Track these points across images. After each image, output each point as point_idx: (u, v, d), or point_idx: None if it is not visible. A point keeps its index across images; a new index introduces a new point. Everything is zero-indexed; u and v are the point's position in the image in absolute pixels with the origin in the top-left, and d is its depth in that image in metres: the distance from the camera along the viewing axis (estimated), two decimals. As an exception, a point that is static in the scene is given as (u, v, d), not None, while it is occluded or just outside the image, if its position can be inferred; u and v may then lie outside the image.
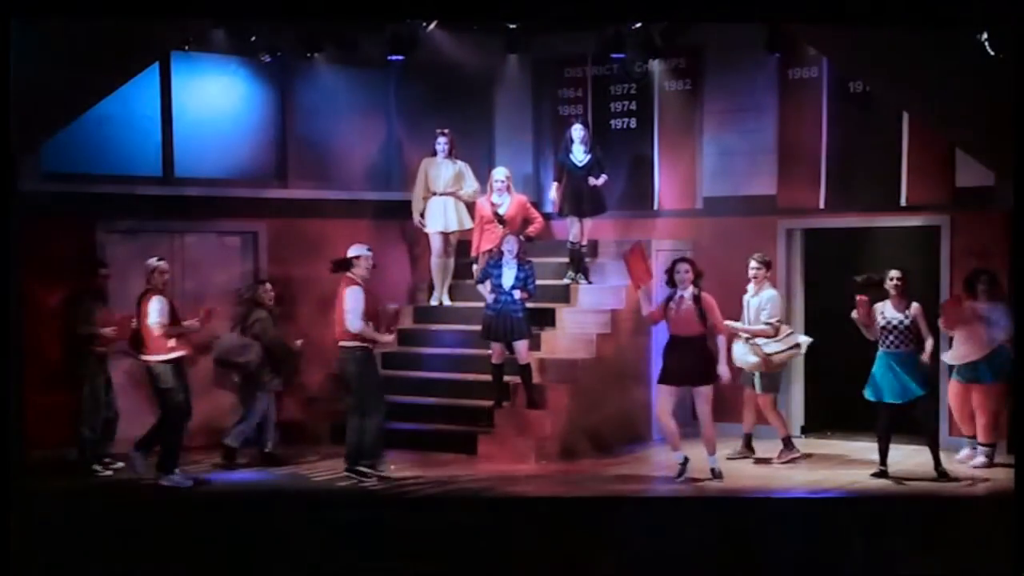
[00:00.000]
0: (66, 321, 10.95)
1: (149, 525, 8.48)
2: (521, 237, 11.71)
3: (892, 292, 10.61)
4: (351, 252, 10.51)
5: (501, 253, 11.52)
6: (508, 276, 11.47)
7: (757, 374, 11.30)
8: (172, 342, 10.29)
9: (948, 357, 11.11)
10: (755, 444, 11.60)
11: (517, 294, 11.42)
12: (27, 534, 7.86)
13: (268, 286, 11.49)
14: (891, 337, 10.57)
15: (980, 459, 10.92)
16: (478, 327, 12.34)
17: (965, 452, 11.08)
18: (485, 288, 11.55)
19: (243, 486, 10.62)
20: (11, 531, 7.74)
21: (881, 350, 10.64)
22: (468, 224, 12.74)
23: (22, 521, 7.94)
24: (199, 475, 10.60)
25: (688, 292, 10.50)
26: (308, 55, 12.55)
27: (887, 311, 10.60)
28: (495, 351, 11.68)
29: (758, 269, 11.30)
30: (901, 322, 10.54)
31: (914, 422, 10.76)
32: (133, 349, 10.56)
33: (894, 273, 10.65)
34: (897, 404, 10.58)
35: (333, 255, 10.81)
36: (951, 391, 11.18)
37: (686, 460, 10.52)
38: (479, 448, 11.64)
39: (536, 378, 11.95)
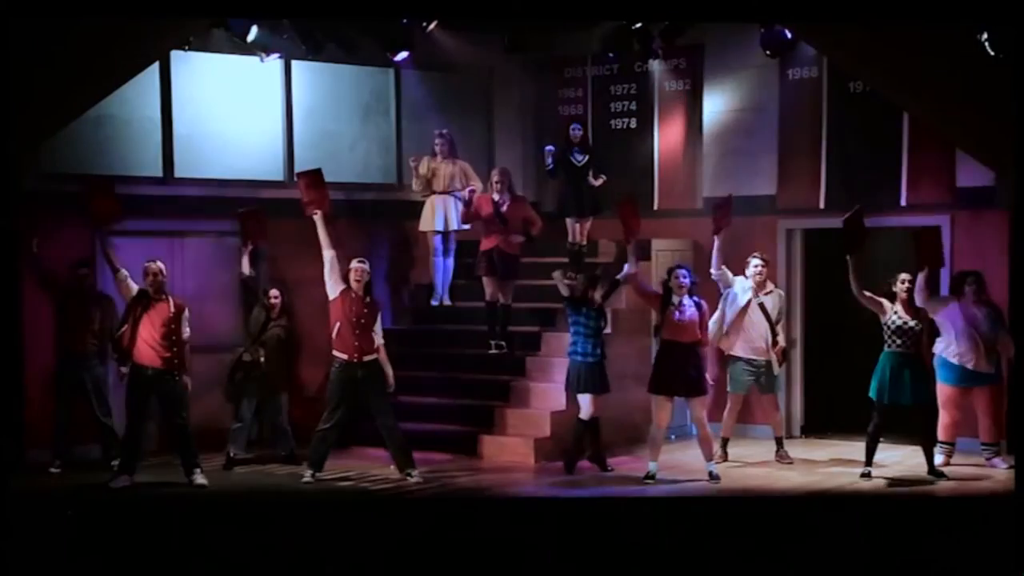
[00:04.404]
0: (72, 321, 10.98)
1: (150, 526, 8.49)
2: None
3: (902, 296, 10.50)
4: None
5: (591, 300, 10.91)
6: (603, 322, 11.00)
7: (764, 376, 11.31)
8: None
9: (952, 357, 10.94)
10: (744, 445, 11.68)
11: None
12: (26, 534, 7.87)
13: (274, 292, 11.49)
14: (901, 339, 10.49)
15: (999, 461, 10.92)
16: (478, 327, 12.37)
17: (941, 459, 10.98)
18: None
19: (243, 487, 10.62)
20: (10, 531, 7.76)
21: (889, 350, 10.52)
22: (467, 224, 12.72)
23: (21, 521, 7.96)
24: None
25: (688, 299, 10.50)
26: (308, 55, 12.54)
27: (900, 313, 10.49)
28: (590, 406, 10.92)
29: (763, 267, 11.29)
30: (914, 327, 10.48)
31: (913, 424, 10.75)
32: (168, 366, 10.25)
33: (903, 276, 10.53)
34: (899, 405, 10.53)
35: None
36: (945, 395, 11.01)
37: (655, 474, 10.55)
38: (479, 448, 11.65)
39: (537, 378, 11.95)
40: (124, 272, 10.36)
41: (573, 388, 10.99)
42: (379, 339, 10.64)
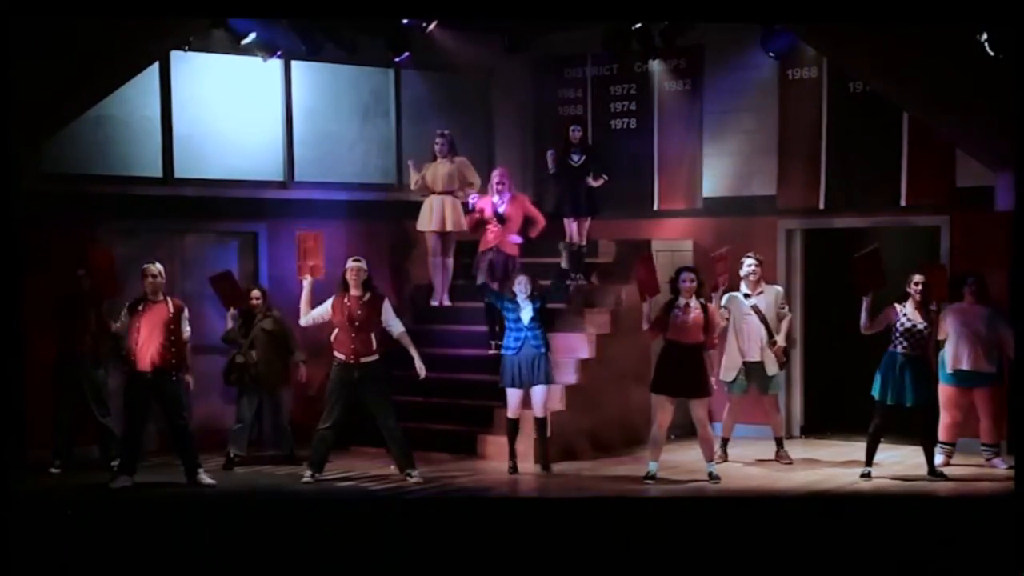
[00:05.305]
0: (73, 322, 10.97)
1: (150, 526, 8.48)
2: (529, 278, 10.99)
3: (916, 297, 10.46)
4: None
5: (514, 294, 10.97)
6: (526, 313, 10.87)
7: (765, 377, 11.28)
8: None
9: (954, 362, 10.94)
10: (744, 445, 11.69)
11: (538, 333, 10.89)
12: (26, 534, 7.87)
13: (255, 293, 11.49)
14: (907, 341, 10.46)
15: (999, 461, 10.92)
16: (478, 327, 12.36)
17: (941, 459, 10.97)
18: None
19: (243, 487, 10.63)
20: (10, 531, 7.75)
21: (894, 351, 10.49)
22: (474, 232, 12.70)
23: (22, 521, 7.95)
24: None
25: (694, 300, 10.49)
26: (308, 55, 12.55)
27: (910, 314, 10.46)
28: (513, 403, 11.02)
29: (757, 267, 11.28)
30: (923, 329, 10.45)
31: (913, 424, 10.75)
32: (168, 367, 10.26)
33: (917, 278, 10.48)
34: (901, 406, 10.51)
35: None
36: (946, 396, 11.01)
37: (655, 474, 10.55)
38: (479, 448, 11.65)
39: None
40: (114, 326, 10.59)
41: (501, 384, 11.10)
42: (398, 328, 10.73)
